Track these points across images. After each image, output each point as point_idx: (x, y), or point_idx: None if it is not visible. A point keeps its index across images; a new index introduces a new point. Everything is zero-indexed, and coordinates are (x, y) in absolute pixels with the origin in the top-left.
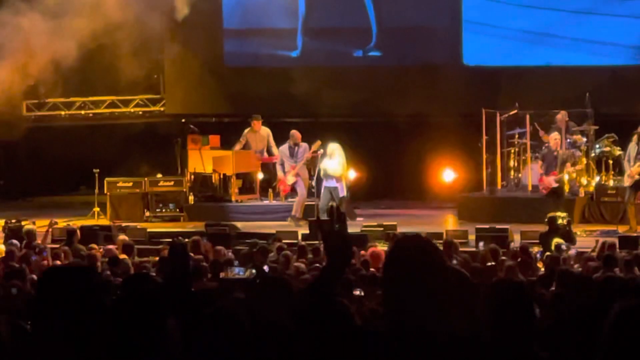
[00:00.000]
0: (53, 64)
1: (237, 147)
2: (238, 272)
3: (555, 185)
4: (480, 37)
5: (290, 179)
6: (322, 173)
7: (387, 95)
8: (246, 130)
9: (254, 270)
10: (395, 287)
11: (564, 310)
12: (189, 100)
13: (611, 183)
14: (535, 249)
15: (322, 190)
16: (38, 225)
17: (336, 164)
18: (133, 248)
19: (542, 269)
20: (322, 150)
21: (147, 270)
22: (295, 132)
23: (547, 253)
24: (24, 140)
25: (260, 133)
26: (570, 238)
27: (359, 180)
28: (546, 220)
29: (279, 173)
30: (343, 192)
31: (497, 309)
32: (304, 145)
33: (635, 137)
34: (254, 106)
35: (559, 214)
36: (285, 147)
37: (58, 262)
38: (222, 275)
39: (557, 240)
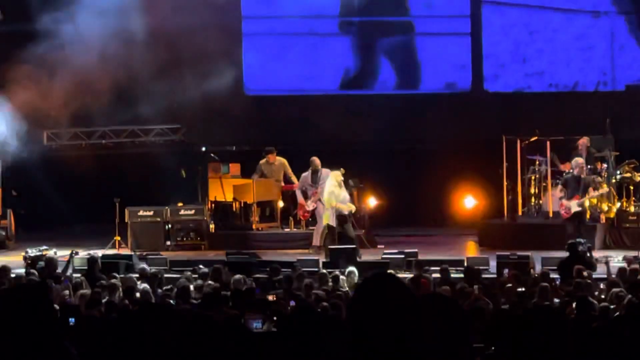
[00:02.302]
0: (74, 94)
1: (255, 177)
2: (256, 326)
3: (578, 209)
4: (501, 63)
5: (311, 205)
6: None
7: (408, 122)
8: (261, 162)
9: (272, 326)
10: (362, 327)
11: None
12: (209, 128)
13: (632, 209)
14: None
15: (334, 218)
16: (59, 254)
17: (343, 192)
18: (157, 277)
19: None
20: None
21: (170, 299)
22: (314, 159)
23: (569, 280)
24: (44, 170)
25: (275, 165)
26: (590, 264)
27: (379, 208)
28: (566, 247)
29: (300, 198)
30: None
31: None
32: (326, 171)
33: None
34: (275, 134)
35: (579, 240)
36: (307, 174)
37: (79, 292)
38: None
39: (577, 267)
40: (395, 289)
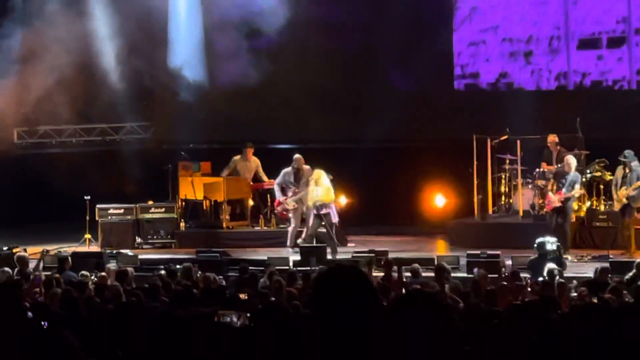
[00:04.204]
0: (44, 92)
1: (225, 172)
2: (232, 321)
3: (558, 204)
4: (472, 62)
5: (292, 204)
6: (312, 203)
7: (378, 120)
8: (236, 157)
9: (248, 315)
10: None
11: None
12: (179, 126)
13: (602, 208)
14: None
15: (312, 218)
16: (30, 252)
17: (325, 189)
18: (127, 275)
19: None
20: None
21: (139, 297)
22: (299, 157)
23: (540, 279)
24: (15, 168)
25: (250, 162)
26: (560, 263)
27: (349, 206)
28: (535, 245)
29: (278, 194)
30: (335, 218)
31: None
32: (307, 169)
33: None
34: (244, 132)
35: (548, 239)
36: (289, 171)
37: (50, 290)
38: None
39: (550, 265)
40: (355, 280)
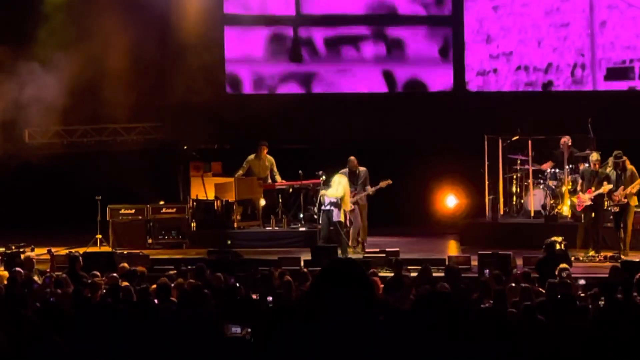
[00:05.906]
0: (56, 92)
1: (240, 172)
2: (235, 330)
3: (589, 202)
4: (483, 63)
5: (350, 206)
6: (321, 198)
7: (389, 121)
8: (250, 157)
9: (249, 329)
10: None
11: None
12: (190, 127)
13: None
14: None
15: (321, 215)
16: (37, 252)
17: (334, 189)
18: (136, 275)
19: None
20: (323, 178)
21: (151, 297)
22: (353, 159)
23: (550, 280)
24: (25, 168)
25: (264, 161)
26: (567, 262)
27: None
28: (543, 246)
29: None
30: (338, 217)
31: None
32: (363, 169)
33: (611, 163)
34: (256, 133)
35: (554, 238)
36: (346, 172)
37: (60, 290)
38: None
39: (563, 265)
40: (354, 275)
